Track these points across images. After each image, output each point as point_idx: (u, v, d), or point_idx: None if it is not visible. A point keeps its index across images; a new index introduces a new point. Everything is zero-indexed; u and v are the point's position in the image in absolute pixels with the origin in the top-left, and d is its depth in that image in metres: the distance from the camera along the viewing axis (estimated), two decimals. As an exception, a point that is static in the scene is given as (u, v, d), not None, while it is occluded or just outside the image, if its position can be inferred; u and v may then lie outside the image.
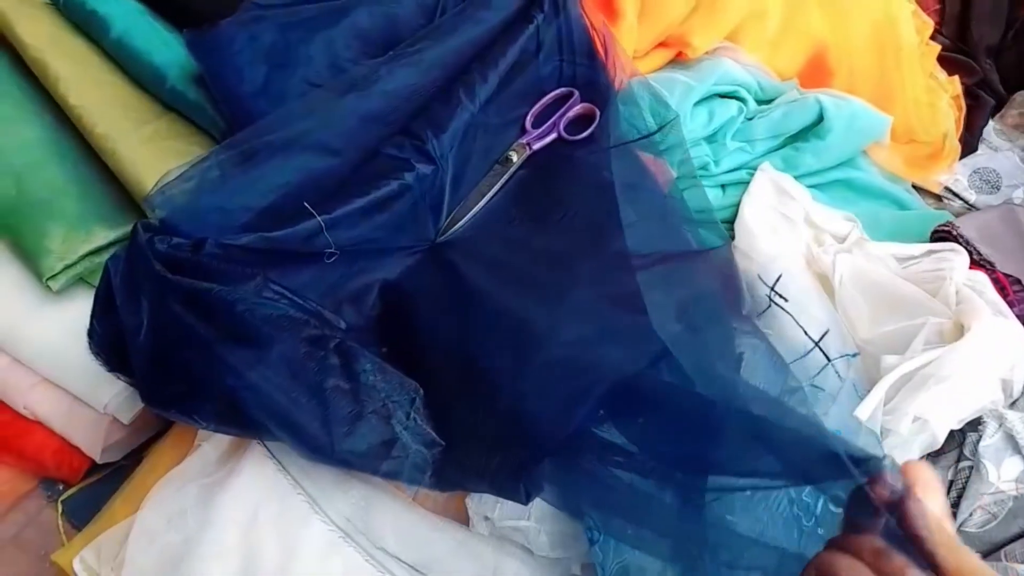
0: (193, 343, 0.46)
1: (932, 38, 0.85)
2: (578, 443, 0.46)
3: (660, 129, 0.60)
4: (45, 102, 0.66)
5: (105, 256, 0.62)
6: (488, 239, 0.57)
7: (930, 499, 0.31)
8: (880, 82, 0.76)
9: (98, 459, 0.64)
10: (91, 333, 0.55)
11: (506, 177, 0.61)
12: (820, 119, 0.68)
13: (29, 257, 0.62)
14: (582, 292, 0.53)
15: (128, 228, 0.62)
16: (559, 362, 0.49)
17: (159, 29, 0.68)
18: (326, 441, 0.49)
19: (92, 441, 0.63)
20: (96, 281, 0.62)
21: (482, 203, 0.60)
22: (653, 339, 0.52)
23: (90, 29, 0.68)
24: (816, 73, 0.74)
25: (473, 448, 0.49)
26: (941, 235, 0.63)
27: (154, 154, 0.63)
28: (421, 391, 0.48)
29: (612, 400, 0.48)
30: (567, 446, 0.46)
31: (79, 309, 0.63)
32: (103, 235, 0.62)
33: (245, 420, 0.50)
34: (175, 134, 0.65)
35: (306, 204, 0.50)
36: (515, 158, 0.62)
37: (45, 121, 0.65)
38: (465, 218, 0.59)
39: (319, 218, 0.50)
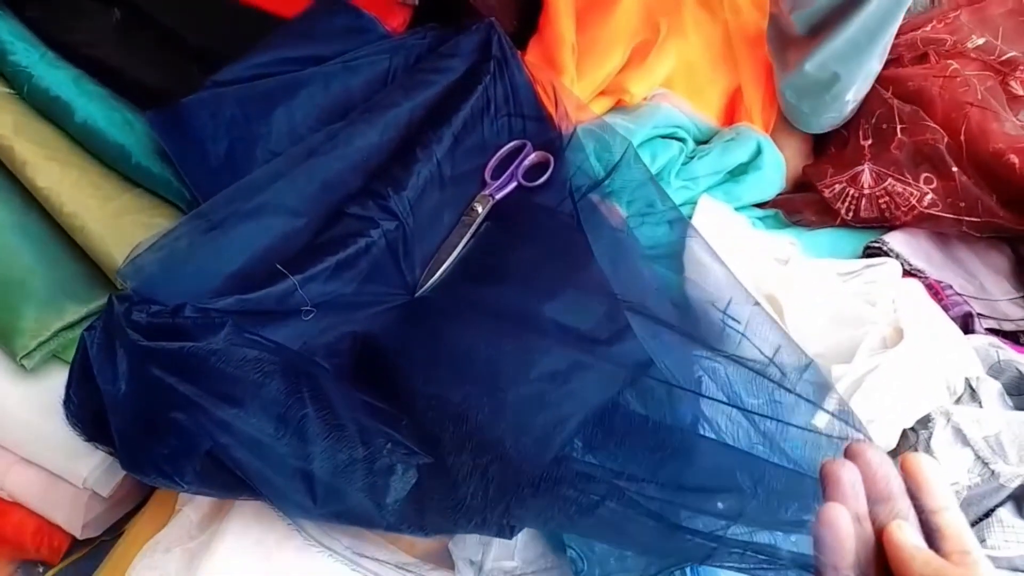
0: (175, 403, 0.48)
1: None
2: (556, 473, 0.48)
3: (615, 167, 0.64)
4: (12, 187, 0.68)
5: (77, 331, 0.64)
6: (461, 288, 0.60)
7: (929, 497, 0.31)
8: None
9: (79, 535, 0.64)
10: (67, 403, 0.56)
11: (474, 227, 0.64)
12: (757, 153, 0.73)
13: (2, 338, 0.62)
14: (550, 331, 0.55)
15: (99, 302, 0.64)
16: (532, 397, 0.51)
17: (121, 110, 0.71)
18: (307, 500, 0.51)
19: (72, 518, 0.63)
20: (69, 356, 0.64)
21: (454, 255, 0.63)
22: (619, 370, 0.55)
23: (54, 115, 0.70)
24: (732, 110, 0.80)
25: (455, 488, 0.51)
26: (872, 251, 0.68)
27: (122, 228, 0.65)
28: (404, 419, 0.49)
29: (586, 429, 0.50)
30: (546, 477, 0.48)
31: (53, 385, 0.63)
32: (75, 311, 0.63)
33: (229, 478, 0.51)
34: (141, 207, 0.67)
35: (279, 266, 0.52)
36: (480, 209, 0.65)
37: (13, 205, 0.67)
38: (439, 271, 0.62)
39: (293, 278, 0.52)
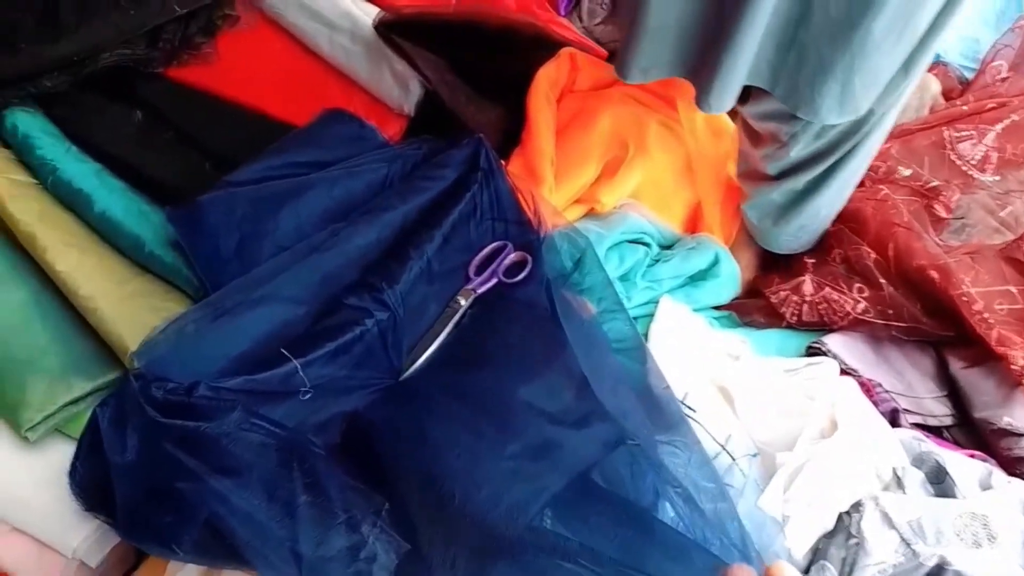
0: (183, 476, 0.52)
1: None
2: (529, 542, 0.53)
3: (580, 260, 0.72)
4: (30, 269, 0.73)
5: (81, 406, 0.68)
6: (442, 374, 0.66)
7: None
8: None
9: (64, 605, 0.65)
10: (72, 473, 0.60)
11: (456, 318, 0.71)
12: (715, 262, 0.82)
13: (9, 411, 0.66)
14: (525, 413, 0.61)
15: (105, 378, 0.69)
16: (507, 472, 0.56)
17: (137, 202, 0.78)
18: (293, 573, 0.54)
19: (60, 587, 0.65)
20: (69, 430, 0.68)
21: (436, 343, 0.69)
22: (588, 450, 0.61)
23: (75, 205, 0.77)
24: (694, 222, 0.89)
25: (435, 558, 0.55)
26: (813, 350, 0.76)
27: (133, 311, 0.70)
28: (386, 504, 0.54)
29: (557, 503, 0.55)
30: (519, 545, 0.53)
31: (51, 458, 0.67)
32: (81, 387, 0.67)
33: (222, 548, 0.55)
34: (152, 292, 0.73)
35: (283, 351, 0.57)
36: (463, 301, 0.72)
37: (31, 286, 0.72)
38: (423, 357, 0.68)
39: (295, 362, 0.57)
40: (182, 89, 0.87)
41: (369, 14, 0.88)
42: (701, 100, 0.67)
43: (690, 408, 0.66)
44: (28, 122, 0.80)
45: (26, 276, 0.73)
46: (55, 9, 0.80)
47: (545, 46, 0.93)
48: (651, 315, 0.77)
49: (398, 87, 0.88)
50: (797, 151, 0.73)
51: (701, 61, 0.65)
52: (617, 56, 0.71)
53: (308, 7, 0.89)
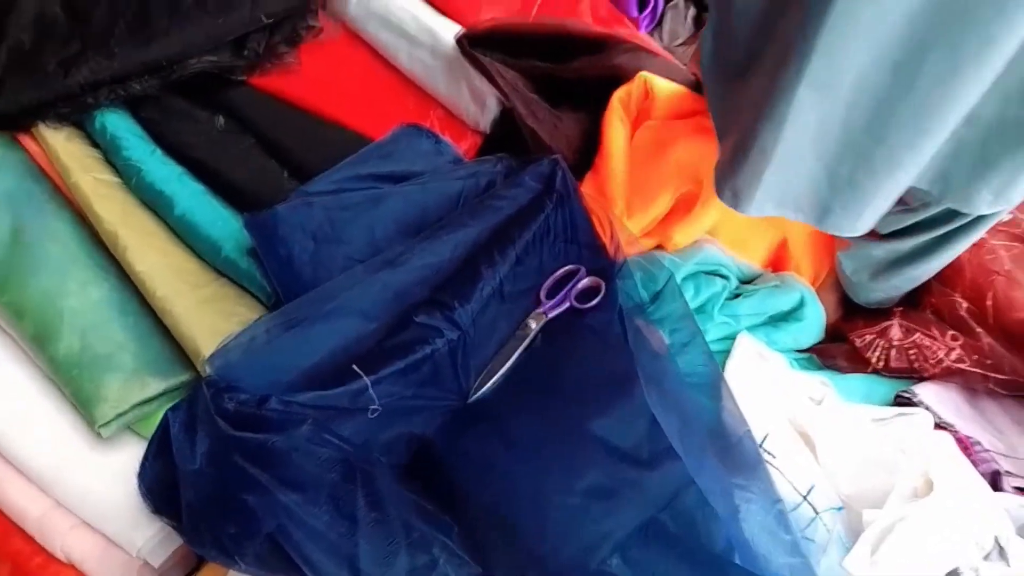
0: (247, 486, 0.52)
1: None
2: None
3: (660, 291, 0.69)
4: (110, 267, 0.75)
5: (154, 405, 0.68)
6: (512, 398, 0.64)
7: None
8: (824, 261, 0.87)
9: (123, 604, 0.66)
10: (142, 474, 0.60)
11: (527, 342, 0.69)
12: (800, 305, 0.78)
13: (84, 405, 0.67)
14: (596, 447, 0.59)
15: (178, 379, 0.69)
16: (576, 510, 0.54)
17: (217, 207, 0.79)
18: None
19: (121, 585, 0.65)
20: (140, 429, 0.69)
21: (507, 366, 0.67)
22: (660, 493, 0.58)
23: (157, 206, 0.78)
24: (778, 261, 0.85)
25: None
26: (903, 400, 0.71)
27: (206, 314, 0.71)
28: (455, 527, 0.53)
29: (625, 546, 0.53)
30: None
31: (122, 456, 0.67)
32: (155, 386, 0.68)
33: (282, 563, 0.54)
34: (226, 297, 0.73)
35: (356, 368, 0.57)
36: (533, 325, 0.70)
37: (111, 283, 0.73)
38: (492, 380, 0.66)
39: (367, 379, 0.56)
40: (264, 97, 0.87)
41: (450, 30, 0.88)
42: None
43: (769, 453, 0.63)
44: (117, 123, 0.82)
45: (107, 273, 0.74)
46: (147, 14, 0.82)
47: (624, 55, 0.90)
48: (727, 351, 0.74)
49: (475, 104, 0.87)
50: (919, 217, 0.69)
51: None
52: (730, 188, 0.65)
53: (389, 21, 0.89)
